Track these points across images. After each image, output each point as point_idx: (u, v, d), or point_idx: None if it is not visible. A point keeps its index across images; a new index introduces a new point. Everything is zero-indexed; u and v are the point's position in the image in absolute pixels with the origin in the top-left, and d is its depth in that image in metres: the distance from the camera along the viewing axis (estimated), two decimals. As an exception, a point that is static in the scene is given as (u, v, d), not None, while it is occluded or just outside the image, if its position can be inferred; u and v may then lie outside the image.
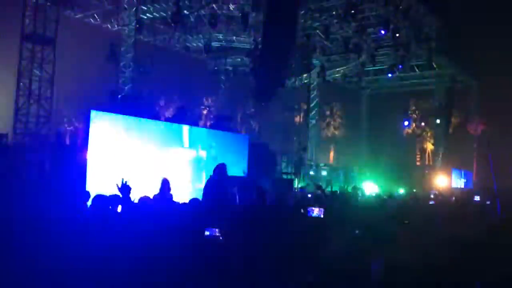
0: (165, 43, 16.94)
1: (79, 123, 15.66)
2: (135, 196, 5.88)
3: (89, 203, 6.01)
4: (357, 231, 3.41)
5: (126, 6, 14.06)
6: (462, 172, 20.85)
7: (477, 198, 8.47)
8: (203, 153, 10.29)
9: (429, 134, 22.82)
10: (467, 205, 7.04)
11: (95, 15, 15.18)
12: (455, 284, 2.56)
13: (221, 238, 3.72)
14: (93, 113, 8.40)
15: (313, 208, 4.45)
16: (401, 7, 14.27)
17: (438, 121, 20.39)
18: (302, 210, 5.43)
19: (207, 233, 3.29)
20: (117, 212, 5.56)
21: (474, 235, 3.73)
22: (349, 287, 2.49)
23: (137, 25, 14.64)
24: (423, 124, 23.37)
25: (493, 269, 2.52)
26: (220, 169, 7.13)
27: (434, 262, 2.78)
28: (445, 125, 20.50)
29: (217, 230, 3.07)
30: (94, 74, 14.39)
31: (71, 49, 13.45)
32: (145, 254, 3.44)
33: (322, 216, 4.15)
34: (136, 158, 8.95)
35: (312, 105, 19.91)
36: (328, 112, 23.51)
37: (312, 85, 19.75)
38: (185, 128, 10.20)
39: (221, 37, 17.09)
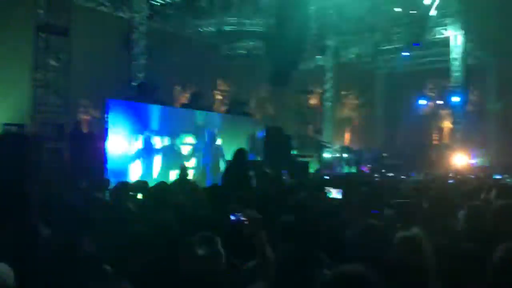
0: (177, 29, 16.89)
1: (95, 112, 15.80)
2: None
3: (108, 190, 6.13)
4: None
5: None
6: (481, 150, 20.56)
7: (497, 177, 8.37)
8: (218, 139, 10.35)
9: (446, 112, 22.46)
10: (486, 181, 6.97)
11: (107, 3, 15.18)
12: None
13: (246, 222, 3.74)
14: (110, 102, 8.52)
15: (331, 190, 4.45)
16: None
17: (455, 99, 20.02)
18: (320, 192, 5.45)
19: (232, 218, 3.31)
20: (138, 198, 5.67)
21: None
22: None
23: (149, 12, 14.62)
24: (440, 102, 22.98)
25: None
26: (240, 154, 7.17)
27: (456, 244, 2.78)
28: (462, 103, 20.15)
29: (241, 214, 3.09)
30: (109, 63, 14.45)
31: (84, 38, 13.48)
32: (165, 241, 3.47)
33: (341, 197, 4.16)
34: (153, 145, 9.06)
35: (327, 87, 19.75)
36: (343, 93, 23.27)
37: (326, 67, 19.57)
38: (200, 114, 10.26)
39: (233, 21, 16.96)
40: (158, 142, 9.20)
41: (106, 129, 8.31)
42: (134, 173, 8.28)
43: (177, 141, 9.55)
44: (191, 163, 9.54)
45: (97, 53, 14.39)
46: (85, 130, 12.53)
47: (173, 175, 8.26)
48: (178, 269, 2.85)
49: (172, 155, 9.33)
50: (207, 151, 10.12)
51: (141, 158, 8.77)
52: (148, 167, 8.82)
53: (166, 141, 9.34)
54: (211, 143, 10.22)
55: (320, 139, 17.28)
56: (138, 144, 8.81)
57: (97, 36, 14.37)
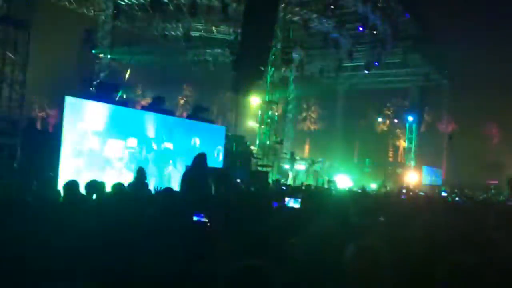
0: (143, 31, 16.69)
1: (50, 109, 15.30)
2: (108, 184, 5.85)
3: (61, 188, 5.94)
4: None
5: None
6: (433, 169, 21.42)
7: (444, 194, 8.78)
8: (176, 144, 10.23)
9: (402, 131, 23.29)
10: (434, 199, 7.29)
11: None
12: (426, 275, 2.65)
13: (208, 224, 3.74)
14: (68, 99, 8.26)
15: (289, 199, 4.52)
16: (379, 5, 14.50)
17: (411, 118, 20.82)
18: (277, 202, 5.52)
19: (195, 218, 3.31)
20: (92, 198, 5.52)
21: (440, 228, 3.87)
22: (323, 278, 2.56)
23: (115, 11, 14.39)
24: (396, 121, 23.81)
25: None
26: (200, 158, 7.09)
27: (406, 254, 2.88)
28: (417, 123, 20.98)
29: (204, 216, 3.09)
30: (69, 60, 14.07)
31: (45, 34, 13.08)
32: (120, 242, 3.41)
33: (298, 206, 4.23)
34: (109, 146, 8.85)
35: (289, 98, 20.03)
36: (305, 106, 23.67)
37: (290, 79, 19.86)
38: (160, 117, 10.13)
39: (200, 27, 16.96)
40: (115, 143, 9.00)
41: (61, 126, 8.06)
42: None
43: (134, 143, 9.36)
44: (148, 166, 9.37)
45: (58, 49, 14.01)
46: (39, 127, 12.11)
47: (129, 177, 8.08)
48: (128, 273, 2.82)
49: (128, 157, 9.16)
50: (165, 155, 9.98)
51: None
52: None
53: (123, 142, 9.15)
54: (169, 148, 10.09)
55: (281, 150, 17.46)
56: (94, 144, 8.59)
57: (60, 33, 14.00)
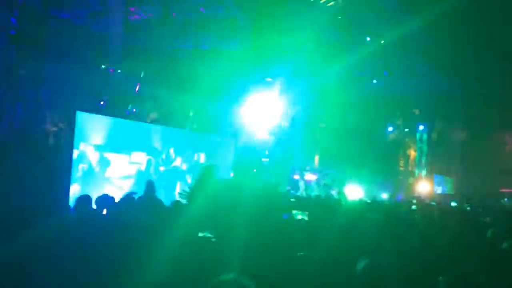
0: (152, 45, 16.84)
1: (62, 123, 15.46)
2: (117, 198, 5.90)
3: (72, 203, 5.99)
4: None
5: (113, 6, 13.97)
6: (444, 178, 21.22)
7: (454, 203, 8.71)
8: (190, 156, 10.29)
9: (413, 140, 23.12)
10: (445, 209, 7.23)
11: (81, 15, 15.01)
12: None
13: (213, 239, 3.76)
14: (78, 114, 8.39)
15: (297, 212, 4.51)
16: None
17: (421, 127, 20.69)
18: (286, 214, 5.50)
19: (200, 234, 3.32)
20: (102, 213, 5.57)
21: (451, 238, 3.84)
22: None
23: (124, 26, 14.55)
24: (407, 130, 23.66)
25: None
26: (207, 171, 7.11)
27: (413, 267, 2.86)
28: (428, 132, 20.83)
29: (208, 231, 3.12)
30: (80, 75, 14.22)
31: (55, 49, 13.25)
32: (132, 255, 3.44)
33: (306, 218, 4.22)
34: (121, 160, 8.94)
35: (298, 108, 20.02)
36: (314, 115, 23.62)
37: (298, 89, 19.86)
38: (171, 130, 10.21)
39: (210, 40, 17.07)
40: (126, 157, 9.07)
41: (71, 141, 8.17)
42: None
43: (144, 157, 9.42)
44: (160, 179, 9.42)
45: (68, 64, 14.13)
46: (52, 142, 12.24)
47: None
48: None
49: (139, 170, 9.21)
50: (177, 168, 10.04)
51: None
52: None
53: (134, 156, 9.23)
54: (182, 161, 10.15)
55: (291, 161, 17.46)
56: (105, 157, 8.67)
57: (69, 48, 14.14)
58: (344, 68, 18.25)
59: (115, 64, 14.25)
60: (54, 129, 14.67)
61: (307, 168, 19.40)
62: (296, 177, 17.27)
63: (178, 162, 10.04)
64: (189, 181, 9.45)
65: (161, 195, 9.44)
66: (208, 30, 15.39)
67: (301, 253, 3.24)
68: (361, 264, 2.34)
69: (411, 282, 2.64)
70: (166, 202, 8.44)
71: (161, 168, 9.66)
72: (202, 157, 10.50)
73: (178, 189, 9.71)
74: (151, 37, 15.62)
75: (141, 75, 15.89)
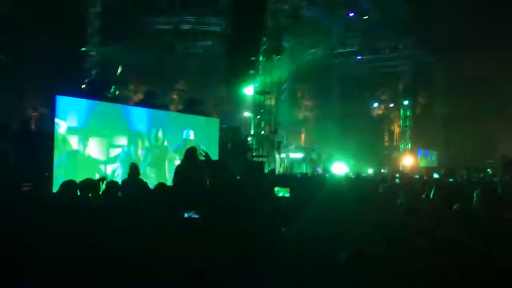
0: (133, 26, 16.58)
1: (44, 109, 15.25)
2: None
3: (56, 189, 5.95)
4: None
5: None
6: (428, 151, 21.52)
7: (436, 175, 8.86)
8: (172, 137, 10.23)
9: (397, 115, 23.32)
10: (428, 181, 7.36)
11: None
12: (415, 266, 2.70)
13: (199, 220, 3.78)
14: (58, 99, 8.25)
15: (279, 189, 4.56)
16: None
17: (405, 102, 20.85)
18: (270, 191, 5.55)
19: (186, 215, 3.34)
20: (86, 198, 5.54)
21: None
22: (312, 269, 2.59)
23: (104, 7, 14.30)
24: (391, 105, 23.83)
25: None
26: (191, 153, 7.12)
27: (395, 241, 2.92)
28: (412, 106, 21.02)
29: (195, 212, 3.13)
30: (60, 58, 13.97)
31: (36, 32, 12.97)
32: (117, 241, 3.44)
33: (287, 195, 4.27)
34: (104, 144, 8.86)
35: (282, 88, 19.99)
36: (299, 95, 23.64)
37: (282, 68, 19.79)
38: (154, 112, 10.12)
39: (191, 19, 16.87)
40: (109, 140, 8.99)
41: (53, 127, 8.05)
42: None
43: (128, 140, 9.34)
44: (142, 161, 9.37)
45: (48, 48, 13.85)
46: (33, 127, 12.08)
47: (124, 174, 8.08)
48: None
49: (123, 154, 9.17)
50: (159, 150, 9.98)
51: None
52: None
53: (117, 139, 9.15)
54: (163, 142, 10.08)
55: (276, 140, 17.48)
56: (88, 142, 8.59)
57: (49, 30, 13.84)
58: (328, 44, 18.23)
59: (95, 47, 14.02)
60: (35, 114, 14.48)
61: (293, 145, 19.50)
62: (283, 155, 17.35)
63: (165, 142, 10.02)
64: (177, 162, 9.42)
65: (150, 176, 9.47)
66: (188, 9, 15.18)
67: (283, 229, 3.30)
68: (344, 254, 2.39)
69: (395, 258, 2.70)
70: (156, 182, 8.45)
71: (148, 149, 9.63)
72: (191, 135, 10.49)
73: (167, 170, 9.71)
74: (131, 18, 15.36)
75: (132, 60, 15.71)
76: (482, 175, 14.29)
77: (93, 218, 4.34)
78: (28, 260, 3.12)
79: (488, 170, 15.65)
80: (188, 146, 7.61)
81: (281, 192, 4.71)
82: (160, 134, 9.91)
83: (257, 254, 2.99)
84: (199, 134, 10.77)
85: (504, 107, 22.39)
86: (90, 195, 5.64)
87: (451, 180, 9.26)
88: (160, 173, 9.73)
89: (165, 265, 3.03)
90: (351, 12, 16.07)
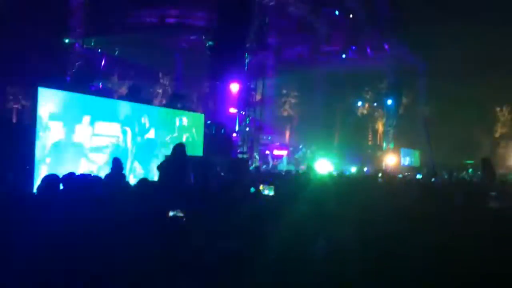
0: (117, 18, 16.36)
1: (26, 101, 14.98)
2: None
3: (37, 183, 5.85)
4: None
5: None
6: (411, 151, 21.80)
7: (419, 176, 8.99)
8: (157, 134, 10.17)
9: (381, 114, 23.56)
10: (411, 181, 7.47)
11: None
12: (394, 256, 2.74)
13: (184, 219, 3.75)
14: (41, 90, 8.11)
15: (264, 186, 4.57)
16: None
17: (389, 101, 21.07)
18: (254, 189, 5.55)
19: (171, 213, 3.31)
20: (68, 192, 5.46)
21: (414, 208, 3.99)
22: (291, 264, 2.61)
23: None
24: (375, 104, 24.06)
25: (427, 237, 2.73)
26: (179, 149, 7.08)
27: (374, 236, 2.96)
28: (395, 106, 21.25)
29: (178, 210, 3.11)
30: (42, 50, 13.72)
31: (16, 21, 12.70)
32: (99, 238, 3.39)
33: (272, 194, 4.28)
34: (86, 137, 8.75)
35: (267, 84, 19.98)
36: (284, 92, 23.69)
37: (267, 64, 19.78)
38: (138, 106, 10.04)
39: (175, 13, 16.71)
40: (92, 134, 8.89)
41: (34, 119, 7.92)
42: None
43: (109, 132, 9.24)
44: (126, 156, 9.29)
45: (31, 39, 13.60)
46: (14, 119, 11.87)
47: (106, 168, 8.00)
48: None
49: (106, 149, 9.07)
50: (143, 145, 9.91)
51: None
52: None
53: (100, 133, 9.05)
54: (147, 137, 10.02)
55: (261, 137, 17.51)
56: (71, 135, 8.47)
57: (31, 21, 13.58)
58: (313, 43, 18.28)
59: (79, 39, 13.79)
60: (16, 106, 14.21)
61: (278, 143, 19.55)
62: (267, 152, 17.39)
63: (151, 134, 9.97)
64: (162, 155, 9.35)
65: (137, 170, 9.40)
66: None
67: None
68: (319, 242, 2.41)
69: (373, 254, 2.73)
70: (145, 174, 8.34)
71: (138, 139, 9.57)
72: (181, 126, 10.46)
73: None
74: (116, 9, 15.17)
75: (116, 53, 15.48)
76: (463, 174, 14.57)
77: (70, 214, 4.27)
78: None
79: (470, 170, 15.95)
80: (175, 140, 7.59)
81: (266, 190, 4.73)
82: (147, 126, 9.86)
83: (240, 252, 2.99)
84: (183, 129, 10.75)
85: (486, 108, 22.81)
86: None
87: (433, 180, 9.41)
88: (147, 166, 9.68)
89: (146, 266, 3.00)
90: (336, 11, 16.14)
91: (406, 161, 21.43)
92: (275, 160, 17.82)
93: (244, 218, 3.67)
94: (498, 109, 25.00)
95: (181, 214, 3.73)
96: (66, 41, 13.25)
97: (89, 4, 14.01)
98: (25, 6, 13.06)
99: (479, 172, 11.54)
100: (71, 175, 5.85)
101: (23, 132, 8.52)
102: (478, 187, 5.95)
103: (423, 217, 3.76)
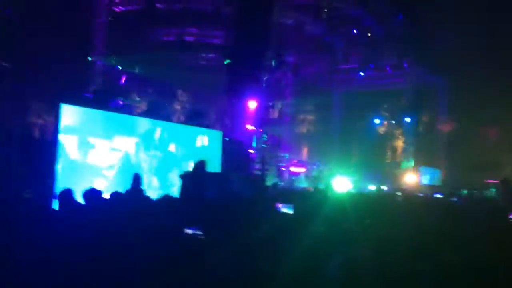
0: (137, 37, 16.71)
1: (48, 116, 15.25)
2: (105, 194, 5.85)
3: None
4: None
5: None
6: (431, 170, 21.44)
7: (437, 195, 8.84)
8: (175, 149, 10.25)
9: (399, 132, 23.31)
10: (430, 200, 7.34)
11: (65, 3, 14.80)
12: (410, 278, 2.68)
13: (201, 236, 3.74)
14: (64, 107, 8.29)
15: (282, 205, 4.54)
16: (372, 7, 14.59)
17: (408, 119, 20.87)
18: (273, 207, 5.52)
19: (188, 231, 3.29)
20: (88, 208, 5.51)
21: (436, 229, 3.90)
22: (305, 284, 2.57)
23: (109, 18, 14.43)
24: (394, 122, 23.83)
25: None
26: (200, 166, 7.14)
27: (391, 257, 2.90)
28: (414, 124, 21.02)
29: (196, 228, 3.10)
30: (65, 67, 14.04)
31: (39, 40, 13.05)
32: (118, 254, 3.40)
33: (291, 212, 4.25)
34: (107, 153, 8.87)
35: (285, 101, 20.07)
36: (302, 109, 23.68)
37: (285, 82, 19.89)
38: (156, 122, 10.16)
39: (194, 32, 17.01)
40: (112, 150, 9.00)
41: (56, 135, 8.08)
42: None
43: (131, 150, 9.35)
44: (145, 172, 9.36)
45: (54, 56, 13.91)
46: (36, 135, 12.11)
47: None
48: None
49: (126, 164, 9.16)
50: (163, 161, 9.99)
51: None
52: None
53: (120, 149, 9.16)
54: (167, 153, 10.11)
55: (280, 153, 17.49)
56: (92, 151, 8.59)
57: (54, 40, 13.92)
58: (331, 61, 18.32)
59: (101, 56, 14.11)
60: (39, 122, 14.51)
61: (296, 160, 19.48)
62: (284, 169, 17.33)
63: (170, 149, 10.06)
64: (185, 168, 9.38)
65: (154, 185, 9.46)
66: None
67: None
68: (335, 262, 2.36)
69: (390, 274, 2.67)
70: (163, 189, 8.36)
71: (156, 155, 9.65)
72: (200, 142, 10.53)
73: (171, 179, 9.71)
74: (136, 28, 15.50)
75: (136, 70, 15.79)
76: (484, 193, 14.24)
77: (88, 230, 4.29)
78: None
79: (492, 189, 15.59)
80: (193, 156, 7.63)
81: (284, 208, 4.69)
82: (165, 142, 9.96)
83: (258, 271, 2.97)
84: (201, 146, 10.82)
85: (508, 127, 22.39)
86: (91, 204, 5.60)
87: (455, 200, 9.23)
88: (165, 182, 9.75)
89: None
90: (354, 29, 16.20)
91: (425, 179, 21.07)
92: (293, 177, 17.72)
93: (262, 237, 3.64)
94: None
95: (200, 232, 3.72)
96: (89, 58, 13.57)
97: (111, 23, 14.39)
98: (50, 23, 13.42)
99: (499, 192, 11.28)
100: (92, 190, 5.92)
101: (45, 147, 8.69)
102: (500, 207, 5.81)
103: (444, 237, 3.67)
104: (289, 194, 7.88)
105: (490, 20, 18.63)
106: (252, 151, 14.93)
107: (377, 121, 23.44)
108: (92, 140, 8.63)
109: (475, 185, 16.13)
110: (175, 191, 8.92)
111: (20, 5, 12.39)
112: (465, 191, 12.96)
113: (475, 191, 13.76)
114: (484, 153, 21.66)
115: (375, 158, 22.87)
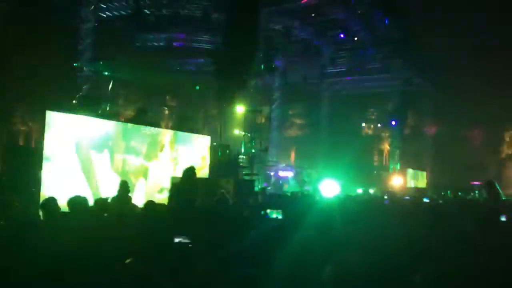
0: (125, 42, 16.64)
1: (33, 123, 15.08)
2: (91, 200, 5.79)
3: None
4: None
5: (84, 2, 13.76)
6: (417, 172, 21.65)
7: (426, 199, 8.92)
8: (164, 155, 10.20)
9: (386, 135, 23.51)
10: (419, 203, 7.40)
11: (51, 10, 14.69)
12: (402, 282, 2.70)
13: (190, 245, 3.72)
14: (48, 114, 8.19)
15: (271, 211, 4.54)
16: (359, 12, 14.72)
17: (394, 122, 21.07)
18: (262, 212, 5.52)
19: (176, 239, 3.27)
20: (73, 214, 5.44)
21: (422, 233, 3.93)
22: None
23: (96, 23, 14.35)
24: (380, 125, 24.04)
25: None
26: (189, 172, 7.11)
27: (383, 261, 2.91)
28: (401, 127, 21.23)
29: (184, 236, 3.08)
30: (51, 73, 13.91)
31: (25, 46, 12.93)
32: (104, 261, 3.36)
33: (280, 217, 4.25)
34: (94, 160, 8.78)
35: (273, 106, 20.14)
36: (290, 113, 23.78)
37: (274, 87, 19.98)
38: (146, 129, 10.09)
39: (183, 37, 17.00)
40: (99, 157, 8.92)
41: (41, 142, 7.98)
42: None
43: (118, 156, 9.28)
44: (132, 178, 9.29)
45: (40, 62, 13.79)
46: (21, 142, 11.97)
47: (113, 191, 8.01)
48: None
49: (113, 171, 9.09)
50: (152, 167, 9.93)
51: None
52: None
53: (107, 156, 9.09)
54: (157, 159, 10.05)
55: (267, 158, 17.50)
56: (78, 158, 8.51)
57: (40, 45, 13.81)
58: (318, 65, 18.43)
59: (87, 63, 14.01)
60: (24, 129, 14.33)
61: (283, 164, 19.51)
62: (272, 173, 17.34)
63: (158, 156, 10.00)
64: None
65: (142, 190, 9.38)
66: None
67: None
68: (328, 268, 2.37)
69: (384, 281, 2.69)
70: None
71: (143, 161, 9.59)
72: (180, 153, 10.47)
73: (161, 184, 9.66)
74: (124, 34, 15.43)
75: (122, 76, 15.70)
76: (469, 196, 14.41)
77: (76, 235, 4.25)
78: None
79: (476, 191, 15.78)
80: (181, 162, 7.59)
81: (274, 213, 4.70)
82: (152, 148, 9.89)
83: (247, 278, 2.96)
84: (189, 151, 10.78)
85: (492, 129, 22.71)
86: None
87: (440, 201, 9.32)
88: (154, 187, 9.69)
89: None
90: (341, 33, 16.33)
91: (412, 182, 21.27)
92: (281, 181, 17.74)
93: (251, 243, 3.64)
94: (504, 129, 24.88)
95: (187, 240, 3.70)
96: (75, 65, 13.46)
97: (98, 29, 14.30)
98: (36, 30, 13.31)
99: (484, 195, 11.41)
100: (76, 197, 5.86)
101: (30, 155, 8.57)
102: (487, 210, 5.87)
103: (431, 242, 3.70)
104: (278, 199, 7.90)
105: (476, 23, 18.94)
106: (240, 156, 14.92)
107: (364, 124, 23.64)
108: (84, 151, 8.56)
109: (460, 186, 16.33)
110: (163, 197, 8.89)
111: (5, 12, 12.28)
112: (449, 193, 13.11)
113: (460, 193, 13.93)
114: (469, 154, 21.95)
115: (363, 161, 23.01)
